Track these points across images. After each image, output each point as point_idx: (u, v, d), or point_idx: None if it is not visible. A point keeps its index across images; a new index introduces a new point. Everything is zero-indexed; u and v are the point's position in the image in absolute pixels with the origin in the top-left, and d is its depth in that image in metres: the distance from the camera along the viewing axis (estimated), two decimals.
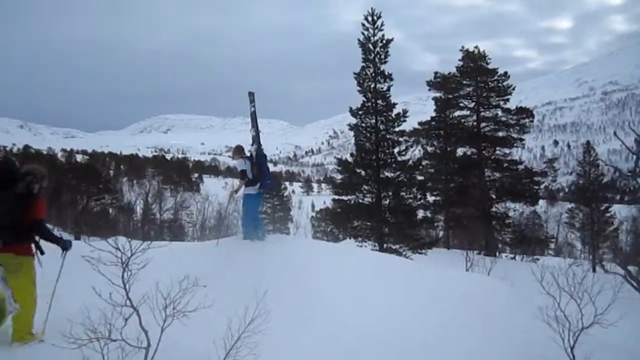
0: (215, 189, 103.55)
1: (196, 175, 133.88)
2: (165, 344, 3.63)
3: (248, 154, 9.10)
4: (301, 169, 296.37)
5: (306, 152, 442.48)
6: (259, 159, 8.94)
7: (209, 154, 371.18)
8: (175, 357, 3.98)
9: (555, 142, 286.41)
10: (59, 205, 59.80)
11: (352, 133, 24.35)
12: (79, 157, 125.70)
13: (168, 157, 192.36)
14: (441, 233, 34.55)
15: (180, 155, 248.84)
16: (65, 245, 5.17)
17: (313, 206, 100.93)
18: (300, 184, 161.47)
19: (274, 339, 4.42)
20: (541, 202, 40.61)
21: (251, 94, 9.65)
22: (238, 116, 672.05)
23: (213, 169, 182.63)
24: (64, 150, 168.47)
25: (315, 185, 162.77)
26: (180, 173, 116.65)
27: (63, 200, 60.07)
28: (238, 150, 9.16)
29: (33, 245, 4.96)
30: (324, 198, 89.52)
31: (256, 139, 9.15)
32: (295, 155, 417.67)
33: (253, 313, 3.91)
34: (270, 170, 9.60)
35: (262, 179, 8.83)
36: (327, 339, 5.19)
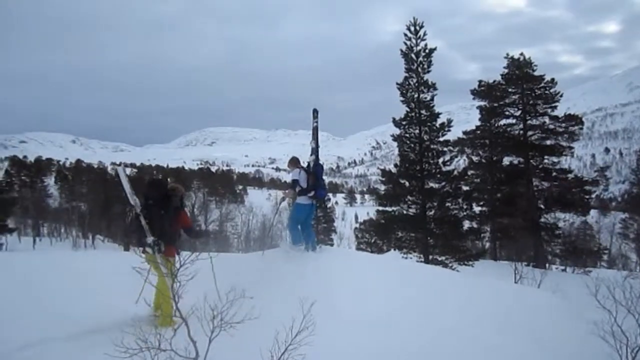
0: (260, 200, 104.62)
1: (240, 187, 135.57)
2: (213, 355, 3.65)
3: (305, 165, 9.13)
4: (344, 180, 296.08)
5: (349, 163, 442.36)
6: (315, 168, 8.97)
7: (253, 166, 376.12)
8: None
9: (607, 150, 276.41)
10: (109, 217, 61.65)
11: (395, 144, 24.22)
12: (127, 171, 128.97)
13: (213, 169, 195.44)
14: (488, 244, 33.82)
15: (224, 168, 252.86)
16: (207, 242, 6.01)
17: (356, 217, 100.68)
18: (343, 195, 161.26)
19: (321, 351, 4.38)
20: (592, 212, 39.17)
21: (315, 111, 9.83)
22: (281, 128, 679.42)
23: (257, 181, 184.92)
24: (113, 163, 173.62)
25: (358, 197, 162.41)
26: (225, 185, 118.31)
27: (113, 212, 61.87)
28: (294, 162, 9.12)
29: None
30: (368, 209, 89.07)
31: (315, 151, 9.24)
32: (338, 167, 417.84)
33: (300, 325, 3.89)
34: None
35: (316, 189, 8.82)
36: (375, 353, 5.12)
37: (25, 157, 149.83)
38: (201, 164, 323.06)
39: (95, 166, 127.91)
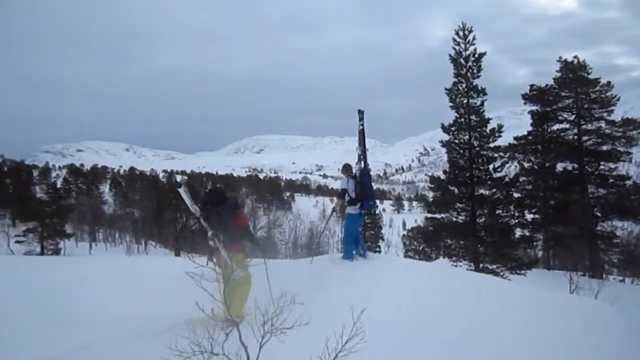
0: (307, 207, 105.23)
1: (288, 194, 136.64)
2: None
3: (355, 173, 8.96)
4: (391, 187, 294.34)
5: (396, 170, 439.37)
6: (362, 177, 8.80)
7: (300, 172, 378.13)
8: None
9: None
10: (160, 223, 63.26)
11: (443, 150, 23.91)
12: (178, 178, 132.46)
13: (261, 176, 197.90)
14: (540, 253, 32.84)
15: (272, 175, 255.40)
16: (261, 250, 6.98)
17: (404, 224, 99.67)
18: (390, 202, 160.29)
19: (372, 358, 4.37)
20: None
21: (360, 112, 9.44)
22: (328, 135, 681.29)
23: (304, 188, 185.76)
24: (164, 171, 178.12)
25: (406, 203, 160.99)
26: (272, 192, 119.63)
27: (164, 218, 63.43)
28: (346, 169, 9.01)
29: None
30: (415, 216, 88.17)
31: (362, 157, 9.03)
32: (385, 173, 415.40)
33: (350, 332, 3.87)
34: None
35: (363, 199, 8.71)
36: None
37: (82, 165, 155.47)
38: (249, 171, 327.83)
39: (148, 173, 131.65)
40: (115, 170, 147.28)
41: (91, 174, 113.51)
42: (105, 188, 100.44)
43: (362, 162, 9.00)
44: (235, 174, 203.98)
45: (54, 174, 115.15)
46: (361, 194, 8.63)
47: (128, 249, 55.76)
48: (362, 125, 9.32)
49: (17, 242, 41.05)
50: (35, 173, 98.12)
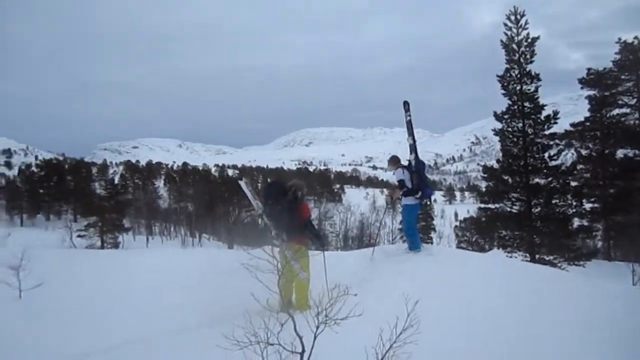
0: (357, 199, 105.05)
1: (338, 186, 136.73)
2: (318, 350, 3.70)
3: (406, 163, 8.90)
4: (442, 177, 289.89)
5: (447, 160, 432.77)
6: (417, 167, 8.71)
7: (350, 164, 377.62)
8: None
9: None
10: (213, 216, 64.64)
11: (496, 138, 23.38)
12: (229, 172, 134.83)
13: (311, 169, 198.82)
14: (600, 243, 31.69)
15: (322, 167, 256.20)
16: (322, 243, 6.95)
17: (456, 215, 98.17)
18: (442, 192, 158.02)
19: (426, 349, 4.32)
20: None
21: (406, 103, 9.30)
22: (376, 127, 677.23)
23: (354, 180, 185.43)
24: (216, 165, 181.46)
25: (457, 194, 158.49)
26: (322, 184, 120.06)
27: (217, 212, 64.73)
28: (394, 161, 8.98)
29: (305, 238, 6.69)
30: (468, 207, 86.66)
31: (413, 148, 8.88)
32: (436, 164, 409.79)
33: (404, 323, 3.85)
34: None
35: (422, 188, 8.65)
36: (479, 354, 4.96)
37: (137, 161, 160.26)
38: (299, 164, 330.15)
39: (200, 168, 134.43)
40: (169, 166, 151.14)
41: (146, 169, 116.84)
42: (159, 183, 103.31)
43: (415, 152, 8.90)
44: (285, 167, 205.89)
45: (111, 171, 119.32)
46: (418, 183, 8.55)
47: (183, 241, 57.29)
48: (409, 116, 9.22)
49: (79, 236, 42.77)
50: (94, 170, 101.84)
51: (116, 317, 7.10)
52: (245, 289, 4.02)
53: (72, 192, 74.61)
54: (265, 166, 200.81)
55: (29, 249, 10.01)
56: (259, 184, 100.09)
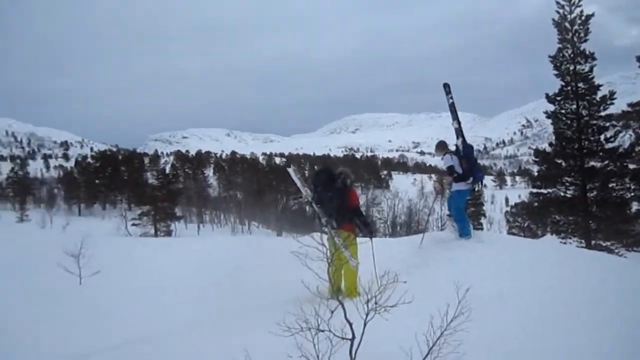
0: (405, 185, 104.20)
1: (385, 172, 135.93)
2: (368, 337, 3.71)
3: (453, 149, 8.73)
4: (492, 162, 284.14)
5: (497, 144, 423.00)
6: (465, 151, 8.51)
7: (397, 150, 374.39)
8: (378, 350, 4.05)
9: None
10: (262, 204, 65.50)
11: (548, 121, 22.65)
12: (277, 160, 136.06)
13: (357, 155, 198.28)
14: None
15: (368, 154, 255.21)
16: (371, 230, 6.84)
17: (507, 200, 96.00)
18: (492, 177, 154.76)
19: (478, 337, 4.27)
20: None
21: (446, 86, 9.10)
22: (423, 112, 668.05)
23: (401, 166, 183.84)
24: (264, 154, 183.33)
25: (508, 179, 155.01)
26: (369, 171, 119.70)
27: (265, 200, 65.54)
28: (441, 146, 8.80)
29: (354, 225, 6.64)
30: (519, 191, 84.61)
31: (459, 132, 8.67)
32: (485, 148, 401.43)
33: (455, 311, 3.81)
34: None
35: (473, 173, 8.48)
36: (534, 345, 4.85)
37: (187, 151, 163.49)
38: (346, 150, 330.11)
39: (248, 157, 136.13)
40: (218, 155, 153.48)
41: (196, 159, 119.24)
42: (209, 172, 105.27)
43: (462, 137, 8.71)
44: (332, 155, 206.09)
45: (162, 161, 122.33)
46: (468, 168, 8.40)
47: (233, 229, 58.26)
48: (452, 98, 8.97)
49: (133, 224, 44.16)
50: (146, 160, 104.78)
51: (170, 301, 7.33)
52: (295, 276, 4.07)
53: (126, 182, 77.10)
54: (312, 154, 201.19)
55: (87, 237, 10.43)
56: (306, 172, 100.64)
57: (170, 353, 4.85)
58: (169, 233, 45.52)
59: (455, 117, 8.78)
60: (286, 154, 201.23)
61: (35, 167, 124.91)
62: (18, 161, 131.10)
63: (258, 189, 67.74)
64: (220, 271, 9.21)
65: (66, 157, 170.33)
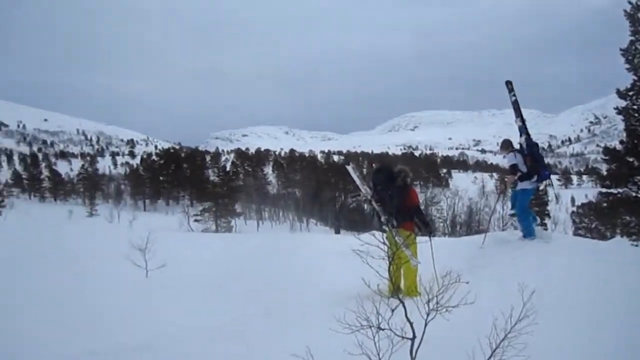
0: (465, 184, 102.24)
1: (444, 170, 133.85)
2: (429, 337, 3.68)
3: (517, 147, 8.55)
4: (557, 160, 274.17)
5: (562, 142, 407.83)
6: (530, 149, 8.33)
7: (457, 148, 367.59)
8: (439, 350, 4.01)
9: None
10: (320, 202, 65.86)
11: (619, 117, 21.67)
12: (335, 158, 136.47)
13: (416, 153, 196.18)
14: None
15: (427, 152, 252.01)
16: (430, 229, 6.78)
17: (573, 200, 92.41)
18: (557, 176, 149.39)
19: (543, 340, 4.15)
20: None
21: (509, 83, 8.95)
22: (485, 109, 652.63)
23: (462, 164, 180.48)
24: (322, 151, 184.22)
25: (574, 178, 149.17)
26: (428, 169, 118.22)
27: (323, 197, 65.86)
28: (506, 145, 8.60)
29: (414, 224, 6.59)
30: (586, 191, 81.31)
31: (523, 129, 8.51)
32: (550, 146, 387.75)
33: (519, 313, 3.72)
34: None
35: (539, 171, 8.28)
36: (608, 355, 4.66)
37: (247, 149, 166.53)
38: (404, 148, 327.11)
39: (306, 155, 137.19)
40: (277, 153, 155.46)
41: (255, 157, 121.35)
42: (268, 170, 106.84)
43: (526, 134, 8.49)
44: (390, 152, 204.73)
45: (223, 158, 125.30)
46: (533, 166, 8.17)
47: (291, 226, 58.84)
48: (514, 96, 8.77)
49: (195, 220, 45.36)
50: (208, 158, 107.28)
51: (231, 295, 7.48)
52: (355, 274, 4.08)
53: (189, 179, 79.34)
54: (370, 151, 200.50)
55: (153, 232, 10.83)
56: (364, 169, 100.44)
57: (231, 346, 4.96)
58: (229, 229, 46.45)
59: (518, 114, 8.60)
60: (344, 151, 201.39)
61: (104, 164, 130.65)
62: (88, 158, 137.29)
63: (316, 186, 68.15)
64: (280, 267, 9.35)
65: (132, 154, 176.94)
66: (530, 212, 8.63)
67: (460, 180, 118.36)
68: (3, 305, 6.86)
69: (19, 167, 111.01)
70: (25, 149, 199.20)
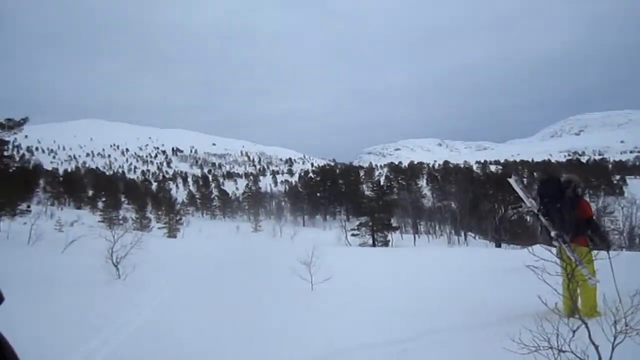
0: None
1: (617, 177, 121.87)
2: None
3: None
4: None
5: None
6: None
7: (631, 152, 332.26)
8: None
9: None
10: (478, 214, 63.46)
11: None
12: (492, 168, 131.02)
13: (583, 159, 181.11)
14: None
15: (596, 157, 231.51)
16: (608, 244, 6.30)
17: None
18: None
19: None
20: None
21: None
22: None
23: (638, 169, 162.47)
24: (477, 162, 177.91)
25: None
26: (598, 176, 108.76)
27: (481, 209, 63.40)
28: None
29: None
30: None
31: None
32: None
33: None
34: None
35: None
36: None
37: (400, 162, 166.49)
38: (569, 155, 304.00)
39: (461, 166, 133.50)
40: (430, 165, 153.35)
41: (409, 170, 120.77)
42: (422, 182, 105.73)
43: None
44: (552, 160, 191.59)
45: (377, 173, 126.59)
46: None
47: (449, 240, 57.54)
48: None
49: (352, 234, 46.22)
50: (362, 173, 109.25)
51: (392, 310, 7.51)
52: (532, 291, 3.91)
53: (344, 194, 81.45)
54: (530, 160, 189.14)
55: (316, 246, 11.33)
56: (524, 179, 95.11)
57: None
58: (385, 243, 46.59)
59: None
60: (501, 161, 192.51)
61: (265, 182, 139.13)
62: (251, 178, 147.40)
63: (473, 198, 65.90)
64: (439, 281, 9.22)
65: (290, 172, 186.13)
66: None
67: (637, 187, 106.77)
68: (200, 303, 7.63)
69: (192, 188, 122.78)
70: (197, 172, 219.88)
